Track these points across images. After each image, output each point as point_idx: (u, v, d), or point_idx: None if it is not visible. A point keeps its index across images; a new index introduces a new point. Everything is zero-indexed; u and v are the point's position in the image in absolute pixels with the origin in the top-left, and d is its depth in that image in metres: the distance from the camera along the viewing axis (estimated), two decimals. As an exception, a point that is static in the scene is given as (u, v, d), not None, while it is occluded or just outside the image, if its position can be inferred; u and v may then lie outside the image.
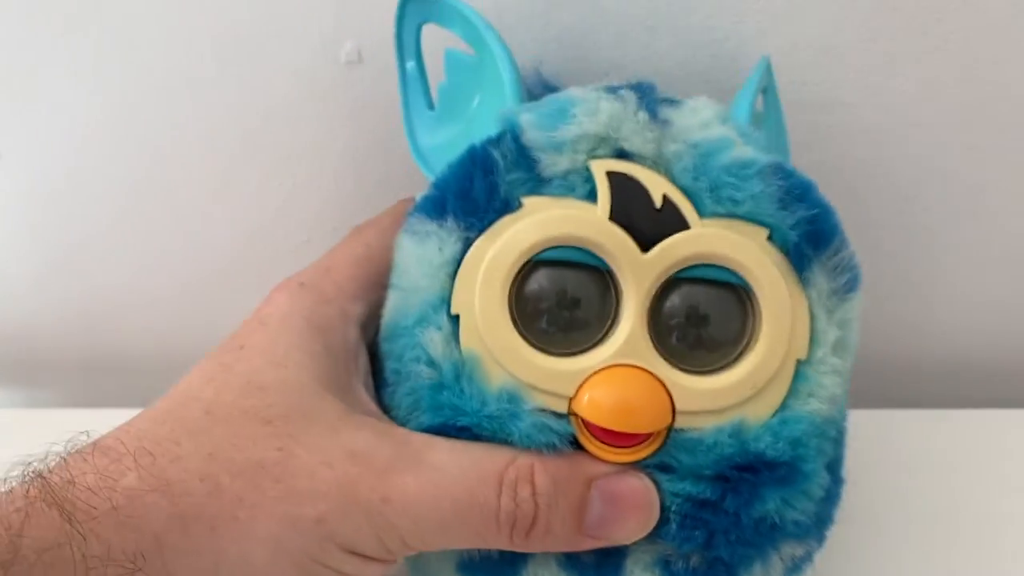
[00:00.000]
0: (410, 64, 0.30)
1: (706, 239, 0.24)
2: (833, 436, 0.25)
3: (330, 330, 0.26)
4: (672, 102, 0.26)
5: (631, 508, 0.24)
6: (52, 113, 0.37)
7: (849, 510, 0.34)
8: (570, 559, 0.25)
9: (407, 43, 0.30)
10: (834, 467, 0.26)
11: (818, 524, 0.26)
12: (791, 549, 0.25)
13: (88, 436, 0.23)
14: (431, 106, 0.31)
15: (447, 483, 0.23)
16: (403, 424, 0.25)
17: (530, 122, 0.25)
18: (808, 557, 0.26)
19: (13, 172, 0.39)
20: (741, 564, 0.25)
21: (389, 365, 0.26)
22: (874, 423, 0.39)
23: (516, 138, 0.24)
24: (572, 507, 0.23)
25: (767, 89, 0.32)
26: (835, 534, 0.32)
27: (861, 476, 0.35)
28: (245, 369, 0.24)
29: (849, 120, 0.35)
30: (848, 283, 0.25)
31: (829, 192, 0.37)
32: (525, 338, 0.24)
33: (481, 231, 0.24)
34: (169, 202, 0.39)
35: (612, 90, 0.25)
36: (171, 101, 0.37)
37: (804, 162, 0.36)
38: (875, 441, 0.38)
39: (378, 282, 0.27)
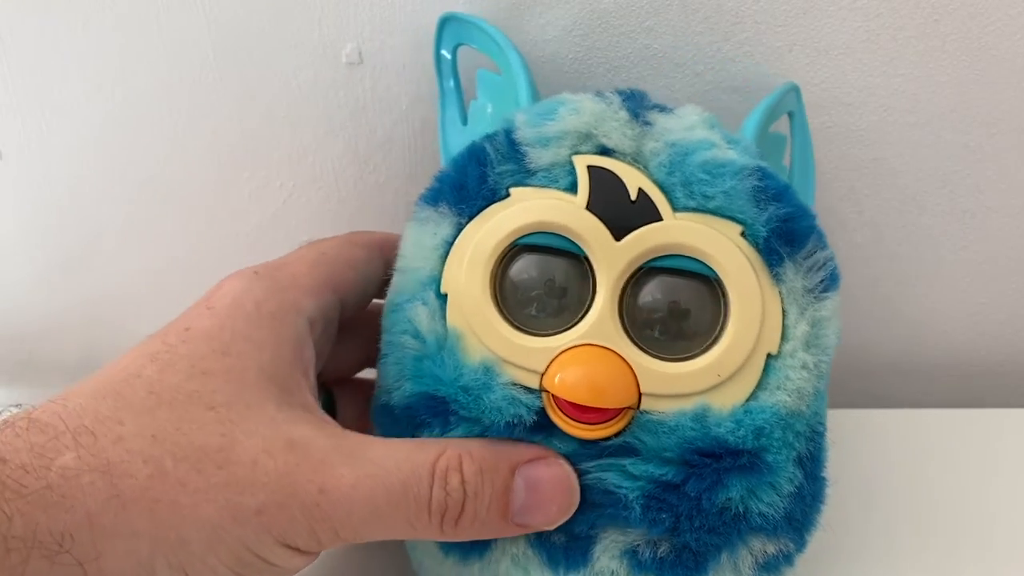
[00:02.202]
0: (448, 84, 0.33)
1: (675, 230, 0.25)
2: (802, 431, 0.26)
3: (280, 318, 0.26)
4: (664, 109, 0.27)
5: (552, 493, 0.25)
6: (54, 114, 0.37)
7: (849, 509, 0.34)
8: (540, 539, 0.26)
9: (445, 64, 0.33)
10: (808, 465, 0.26)
11: (792, 523, 0.26)
12: (761, 544, 0.26)
13: (20, 408, 0.23)
14: (465, 122, 0.33)
15: (382, 475, 0.23)
16: (389, 392, 0.27)
17: (523, 120, 0.26)
18: (786, 559, 0.27)
19: (15, 173, 0.39)
20: (707, 553, 0.25)
21: (384, 338, 0.27)
22: (874, 423, 0.39)
23: (509, 133, 0.26)
24: (498, 493, 0.24)
25: (793, 114, 0.33)
26: (834, 533, 0.32)
27: (861, 476, 0.35)
28: (189, 352, 0.24)
29: (849, 120, 0.35)
30: (823, 283, 0.26)
31: (829, 192, 0.37)
32: (505, 316, 0.26)
33: (471, 217, 0.26)
34: (170, 202, 0.39)
35: (601, 94, 0.27)
36: (172, 102, 0.37)
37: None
38: (875, 441, 0.38)
39: (331, 284, 0.28)
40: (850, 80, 0.34)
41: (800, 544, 0.27)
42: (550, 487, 0.25)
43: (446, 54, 0.33)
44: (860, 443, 0.37)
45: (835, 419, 0.39)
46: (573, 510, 0.25)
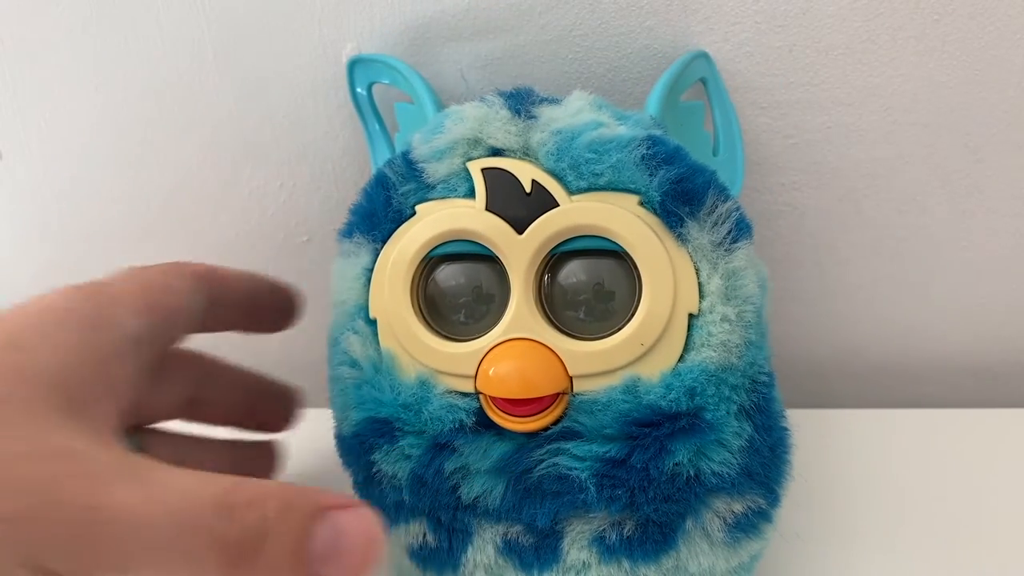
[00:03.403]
0: (373, 126, 0.35)
1: (572, 212, 0.25)
2: (738, 384, 0.25)
3: (92, 327, 0.24)
4: (552, 100, 0.27)
5: (355, 542, 0.22)
6: (54, 113, 0.37)
7: (847, 510, 0.34)
8: (508, 544, 0.26)
9: (364, 104, 0.35)
10: (757, 417, 0.26)
11: (754, 478, 0.26)
12: (725, 504, 0.26)
13: None
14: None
15: (166, 498, 0.20)
16: (340, 424, 0.28)
17: (418, 139, 0.27)
18: (761, 516, 0.26)
19: (15, 173, 0.39)
20: (671, 523, 0.25)
21: (328, 374, 0.28)
22: (873, 423, 0.39)
23: (405, 155, 0.27)
24: (296, 536, 0.21)
25: (707, 81, 0.33)
26: (833, 532, 0.32)
27: (861, 476, 0.36)
28: None
29: (849, 120, 0.35)
30: (731, 235, 0.26)
31: (829, 192, 0.37)
32: (432, 328, 0.26)
33: (384, 240, 0.27)
34: (170, 203, 0.39)
35: (484, 98, 0.27)
36: (172, 101, 0.37)
37: (804, 162, 0.36)
38: (873, 441, 0.38)
39: (157, 308, 0.26)
40: (850, 80, 0.34)
41: (772, 499, 0.27)
42: (354, 536, 0.22)
43: (362, 91, 0.34)
44: (859, 443, 0.37)
45: (834, 419, 0.39)
46: (375, 563, 0.22)
